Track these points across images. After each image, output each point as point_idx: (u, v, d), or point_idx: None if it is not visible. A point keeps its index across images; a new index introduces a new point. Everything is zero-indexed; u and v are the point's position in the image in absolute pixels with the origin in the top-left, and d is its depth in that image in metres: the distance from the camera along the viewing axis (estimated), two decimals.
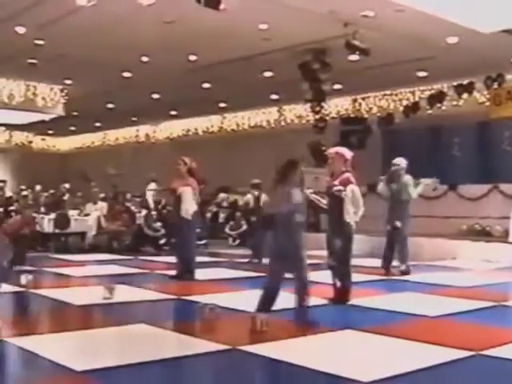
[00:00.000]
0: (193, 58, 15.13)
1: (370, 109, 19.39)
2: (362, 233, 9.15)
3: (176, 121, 25.15)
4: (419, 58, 14.31)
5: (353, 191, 6.81)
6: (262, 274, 9.79)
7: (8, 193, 17.72)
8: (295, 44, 13.71)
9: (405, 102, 18.09)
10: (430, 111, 16.96)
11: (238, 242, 15.69)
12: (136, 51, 14.40)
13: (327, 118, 16.75)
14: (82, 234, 14.07)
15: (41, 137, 30.24)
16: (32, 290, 7.80)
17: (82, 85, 18.20)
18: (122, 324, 5.84)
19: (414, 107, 17.22)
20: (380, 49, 12.96)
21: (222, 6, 9.78)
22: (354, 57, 13.55)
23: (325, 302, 6.77)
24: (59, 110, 19.25)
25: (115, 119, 24.30)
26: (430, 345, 5.09)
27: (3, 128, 26.91)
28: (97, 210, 14.59)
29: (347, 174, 6.90)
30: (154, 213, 14.76)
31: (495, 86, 15.50)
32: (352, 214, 6.81)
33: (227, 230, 16.32)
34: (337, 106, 19.85)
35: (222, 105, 21.56)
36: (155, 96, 19.79)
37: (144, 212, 14.55)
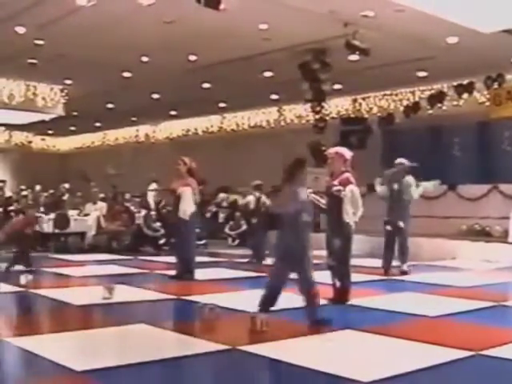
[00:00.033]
0: (193, 57, 15.12)
1: (370, 109, 19.39)
2: (361, 233, 9.16)
3: (176, 121, 25.14)
4: (419, 57, 14.31)
5: (352, 191, 6.81)
6: (262, 274, 9.82)
7: (8, 193, 17.74)
8: (295, 44, 13.70)
9: (405, 102, 18.09)
10: (430, 111, 16.95)
11: (237, 242, 15.69)
12: (136, 51, 14.39)
13: (327, 118, 16.73)
14: (82, 234, 14.08)
15: (40, 137, 30.23)
16: (32, 290, 7.80)
17: (81, 85, 18.19)
18: (121, 324, 5.84)
19: (414, 107, 17.22)
20: (380, 49, 12.95)
21: (221, 6, 9.77)
22: (354, 57, 13.54)
23: (324, 302, 6.76)
24: (59, 110, 19.24)
25: (115, 119, 24.29)
26: (430, 345, 5.09)
27: (3, 128, 26.90)
28: (96, 210, 14.59)
29: (347, 174, 6.90)
30: (153, 213, 14.77)
31: (495, 86, 15.50)
32: (351, 215, 6.81)
33: (227, 230, 16.32)
34: (337, 106, 19.84)
35: (222, 105, 21.56)
36: (155, 96, 19.79)
37: (143, 212, 14.55)
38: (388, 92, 18.82)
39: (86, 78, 17.28)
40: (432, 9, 10.81)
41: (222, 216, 17.83)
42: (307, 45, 13.83)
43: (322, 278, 7.09)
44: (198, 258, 9.75)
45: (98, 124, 26.69)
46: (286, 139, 19.53)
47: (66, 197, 16.56)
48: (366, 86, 17.65)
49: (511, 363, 4.64)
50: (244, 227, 15.20)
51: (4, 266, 8.95)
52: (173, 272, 9.18)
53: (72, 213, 14.58)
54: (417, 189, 9.90)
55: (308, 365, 4.44)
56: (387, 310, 6.70)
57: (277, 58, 14.59)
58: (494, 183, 13.80)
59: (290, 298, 5.69)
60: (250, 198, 11.93)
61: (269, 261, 11.27)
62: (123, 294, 7.31)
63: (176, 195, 9.07)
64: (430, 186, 10.84)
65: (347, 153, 7.06)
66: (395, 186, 9.70)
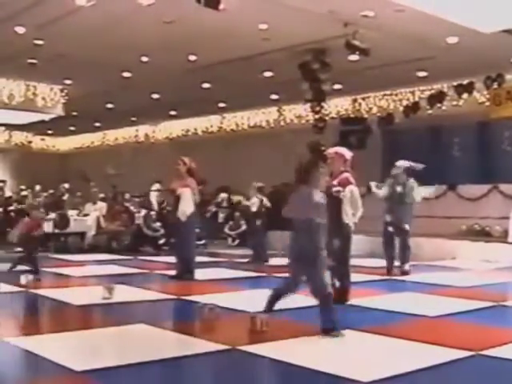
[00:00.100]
0: (193, 58, 15.11)
1: (370, 109, 19.37)
2: (361, 233, 9.17)
3: (175, 121, 25.13)
4: (419, 57, 14.30)
5: (351, 192, 6.80)
6: (263, 274, 9.84)
7: (8, 193, 17.76)
8: (295, 44, 13.69)
9: (405, 102, 18.08)
10: (429, 111, 16.95)
11: (237, 242, 15.70)
12: (136, 51, 14.38)
13: (327, 118, 16.73)
14: (82, 234, 14.08)
15: (40, 137, 30.22)
16: (32, 290, 7.80)
17: (81, 85, 18.18)
18: (121, 324, 5.84)
19: (413, 107, 17.22)
20: (380, 49, 12.95)
21: (221, 6, 9.76)
22: (354, 57, 13.53)
23: None
24: (59, 110, 19.23)
25: (115, 119, 24.28)
26: (430, 345, 5.09)
27: (3, 128, 26.89)
28: (96, 210, 14.60)
29: (346, 174, 6.89)
30: (153, 213, 14.77)
31: (495, 86, 15.49)
32: (350, 216, 6.80)
33: (226, 229, 16.32)
34: (337, 106, 19.83)
35: (222, 105, 21.55)
36: (155, 96, 19.78)
37: (143, 212, 14.55)
38: (388, 92, 18.82)
39: (85, 78, 17.27)
40: (432, 9, 10.80)
41: (221, 216, 17.83)
42: (307, 45, 13.81)
43: None
44: (198, 258, 9.75)
45: (97, 124, 26.68)
46: (286, 139, 19.54)
47: (65, 197, 16.58)
48: (366, 86, 17.64)
49: (511, 363, 4.65)
50: (244, 227, 15.21)
51: (7, 266, 8.97)
52: (173, 272, 9.19)
53: (72, 213, 14.59)
54: (419, 192, 9.97)
55: (308, 365, 4.44)
56: (387, 310, 6.70)
57: (276, 58, 14.58)
58: (494, 183, 13.81)
59: (290, 298, 5.68)
60: (255, 201, 11.92)
61: (272, 261, 11.33)
62: (123, 293, 7.31)
63: (176, 196, 9.07)
64: (427, 193, 10.85)
65: (347, 153, 7.06)
66: (398, 189, 9.73)
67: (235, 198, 18.24)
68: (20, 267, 8.80)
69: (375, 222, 9.89)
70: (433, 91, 17.23)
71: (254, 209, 11.87)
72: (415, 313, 6.48)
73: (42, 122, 21.01)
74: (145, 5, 10.73)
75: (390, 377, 4.21)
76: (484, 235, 13.18)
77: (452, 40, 13.00)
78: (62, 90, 18.96)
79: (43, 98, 18.72)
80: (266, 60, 14.90)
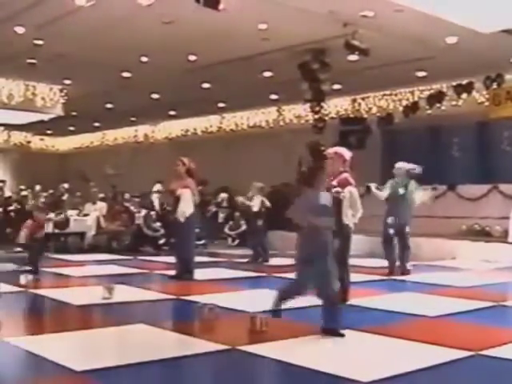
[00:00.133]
0: (192, 58, 15.11)
1: (370, 109, 19.36)
2: (361, 233, 9.17)
3: (175, 121, 25.12)
4: (419, 58, 14.30)
5: (351, 192, 6.80)
6: (263, 274, 9.84)
7: (7, 193, 17.74)
8: (294, 44, 13.69)
9: (404, 102, 18.07)
10: (429, 111, 16.95)
11: (237, 241, 15.70)
12: (135, 51, 14.38)
13: (326, 118, 16.72)
14: (82, 234, 14.08)
15: (39, 137, 30.21)
16: (32, 290, 7.80)
17: (81, 85, 18.18)
18: (121, 324, 5.84)
19: (413, 107, 17.21)
20: (379, 49, 12.94)
21: (221, 6, 9.76)
22: (354, 57, 13.52)
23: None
24: (58, 110, 19.21)
25: (114, 119, 24.27)
26: (430, 345, 5.09)
27: (2, 128, 26.88)
28: (96, 210, 14.60)
29: (345, 175, 6.89)
30: (153, 213, 14.77)
31: (494, 86, 15.49)
32: (350, 217, 6.80)
33: (226, 230, 16.32)
34: (336, 106, 19.82)
35: (221, 105, 21.54)
36: (154, 96, 19.76)
37: (143, 212, 14.55)
38: (387, 92, 18.81)
39: (85, 78, 17.26)
40: (431, 9, 10.80)
41: (221, 216, 17.83)
42: (307, 45, 13.81)
43: None
44: (198, 258, 9.76)
45: (97, 124, 26.67)
46: (286, 139, 19.53)
47: (65, 197, 16.56)
48: (366, 86, 17.64)
49: (511, 363, 4.65)
50: (244, 227, 15.21)
51: (10, 266, 8.99)
52: (172, 272, 9.19)
53: (71, 213, 14.58)
54: (419, 195, 9.99)
55: (308, 365, 4.45)
56: (387, 310, 6.70)
57: (276, 58, 14.58)
58: (494, 183, 13.81)
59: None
60: (257, 201, 11.92)
61: (272, 261, 11.33)
62: (123, 294, 7.32)
63: (175, 196, 9.07)
64: (426, 199, 10.83)
65: (346, 153, 7.05)
66: (400, 191, 9.74)
67: (239, 200, 18.21)
68: (20, 267, 8.81)
69: (375, 221, 9.89)
70: (432, 91, 17.22)
71: (255, 209, 11.88)
72: (415, 313, 6.49)
73: (42, 122, 21.00)
74: (144, 5, 10.73)
75: (389, 377, 4.21)
76: (484, 235, 13.18)
77: (451, 40, 13.00)
78: (61, 90, 18.95)
79: (42, 98, 18.71)
80: (266, 60, 14.90)
